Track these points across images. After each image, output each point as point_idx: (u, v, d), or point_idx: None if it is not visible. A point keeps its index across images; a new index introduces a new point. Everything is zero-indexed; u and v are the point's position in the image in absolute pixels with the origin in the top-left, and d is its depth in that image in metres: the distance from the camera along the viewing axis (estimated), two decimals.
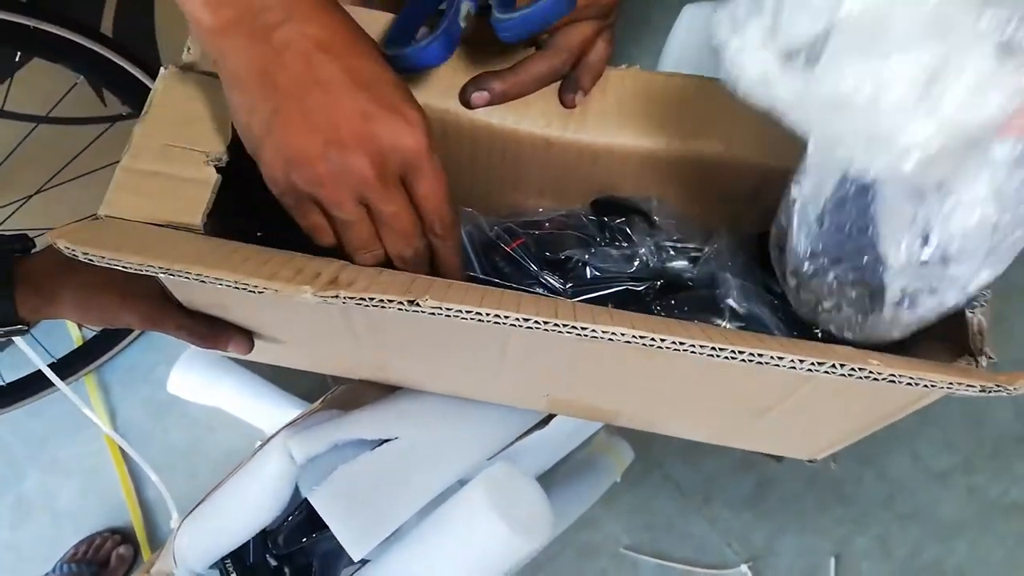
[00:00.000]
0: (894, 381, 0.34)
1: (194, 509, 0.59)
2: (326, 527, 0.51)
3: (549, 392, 0.50)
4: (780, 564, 1.13)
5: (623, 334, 0.35)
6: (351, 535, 0.51)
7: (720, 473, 1.18)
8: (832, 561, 1.11)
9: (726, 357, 0.35)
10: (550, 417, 0.62)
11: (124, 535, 1.29)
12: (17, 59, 0.97)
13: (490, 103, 0.42)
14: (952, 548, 1.10)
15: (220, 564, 0.56)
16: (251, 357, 0.51)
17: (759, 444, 0.55)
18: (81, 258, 0.33)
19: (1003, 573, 1.08)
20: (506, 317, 0.34)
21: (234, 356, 0.48)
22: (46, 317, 0.47)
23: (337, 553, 0.60)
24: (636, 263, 0.45)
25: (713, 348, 0.35)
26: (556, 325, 0.34)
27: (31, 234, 0.50)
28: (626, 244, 0.47)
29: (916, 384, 0.34)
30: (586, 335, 0.35)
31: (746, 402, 0.46)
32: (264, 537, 0.59)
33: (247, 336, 0.48)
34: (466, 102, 0.42)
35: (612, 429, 1.06)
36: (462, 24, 0.39)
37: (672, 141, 0.44)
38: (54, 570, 1.24)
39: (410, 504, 0.53)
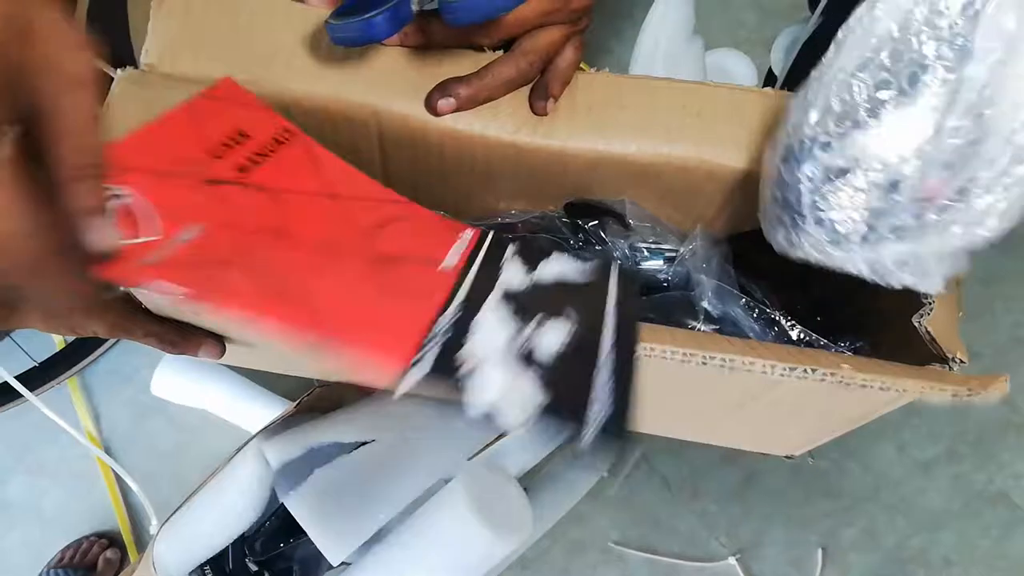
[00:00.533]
0: (866, 386, 0.34)
1: (171, 516, 0.59)
2: (304, 532, 0.51)
3: None
4: (768, 556, 1.13)
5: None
6: (329, 540, 0.50)
7: (707, 467, 1.19)
8: (819, 552, 1.12)
9: (698, 363, 0.35)
10: None
11: (111, 539, 1.28)
12: None
13: (457, 109, 0.41)
14: (938, 538, 1.10)
15: (199, 570, 0.56)
16: (224, 361, 0.51)
17: (737, 441, 0.55)
18: None
19: (989, 562, 1.09)
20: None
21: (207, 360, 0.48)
22: (13, 327, 0.47)
23: (317, 557, 0.59)
24: (616, 261, 0.45)
25: (685, 354, 0.35)
26: None
27: None
28: (600, 246, 0.47)
29: (887, 389, 0.34)
30: None
31: (722, 402, 0.46)
32: (243, 543, 0.58)
33: (218, 340, 0.47)
34: (432, 109, 0.41)
35: None
36: (413, 7, 0.38)
37: (642, 145, 0.43)
38: (41, 575, 1.24)
39: (389, 507, 0.53)
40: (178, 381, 1.29)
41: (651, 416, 0.53)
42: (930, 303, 0.40)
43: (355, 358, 0.31)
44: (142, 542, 1.30)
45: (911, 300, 0.42)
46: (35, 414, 1.33)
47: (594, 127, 0.42)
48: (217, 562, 0.57)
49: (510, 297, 0.35)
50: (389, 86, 0.42)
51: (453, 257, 0.37)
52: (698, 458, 1.20)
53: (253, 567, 0.58)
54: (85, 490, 1.32)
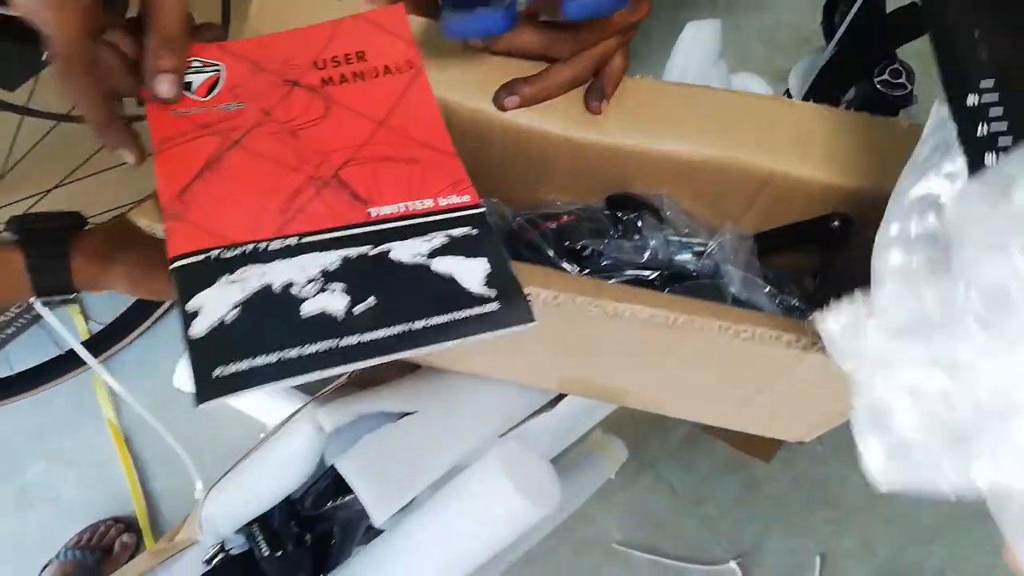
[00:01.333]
0: None
1: (221, 479, 0.63)
2: (350, 492, 0.55)
3: (563, 371, 0.54)
4: (768, 562, 1.17)
5: (643, 311, 0.39)
6: (375, 500, 0.54)
7: (711, 474, 1.22)
8: (818, 559, 1.15)
9: (732, 335, 0.40)
10: (556, 401, 0.66)
11: (128, 524, 1.31)
12: (44, 58, 1.01)
13: (520, 106, 0.46)
14: (932, 551, 1.14)
15: (247, 528, 0.60)
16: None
17: (753, 426, 0.60)
18: (159, 234, 0.37)
19: (981, 575, 1.12)
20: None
21: None
22: (97, 288, 0.51)
23: (356, 522, 0.63)
24: (647, 254, 0.50)
25: (721, 326, 0.40)
26: (584, 302, 0.39)
27: None
28: (637, 237, 0.51)
29: None
30: (610, 312, 0.39)
31: (743, 381, 0.50)
32: (289, 505, 0.62)
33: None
34: (499, 105, 0.46)
35: (607, 428, 1.11)
36: (521, 3, 0.42)
37: (681, 145, 0.48)
38: (58, 556, 1.26)
39: (428, 474, 0.57)
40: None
41: (678, 399, 0.57)
42: None
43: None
44: (158, 528, 1.33)
45: None
46: (57, 402, 1.37)
47: (639, 126, 0.47)
48: (264, 522, 0.61)
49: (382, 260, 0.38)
50: (463, 84, 0.47)
51: (427, 203, 0.40)
52: (703, 466, 1.24)
53: (296, 528, 0.62)
54: (103, 477, 1.35)
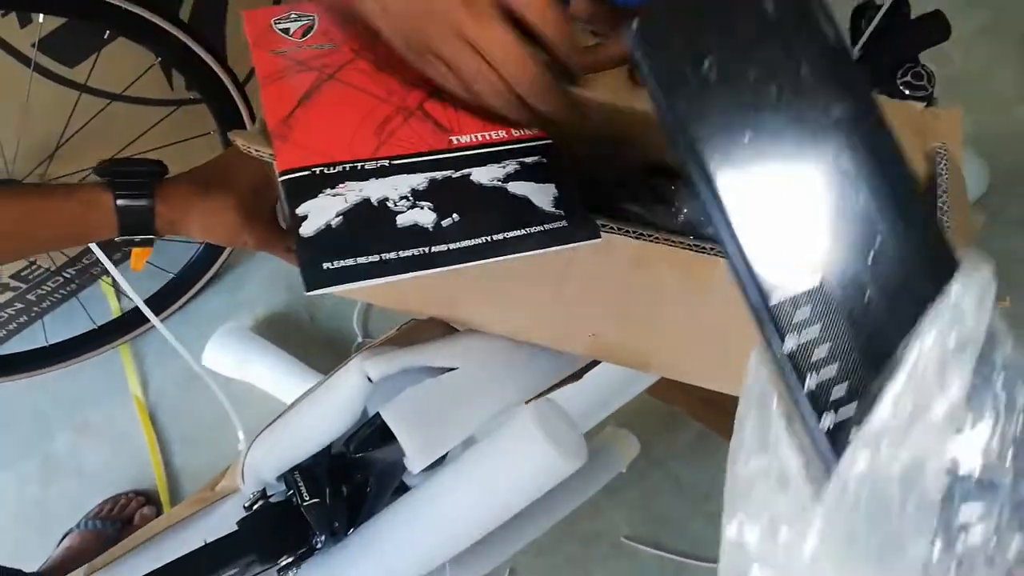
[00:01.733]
0: None
1: (266, 428, 0.67)
2: (393, 439, 0.59)
3: (594, 331, 0.58)
4: None
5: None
6: (415, 446, 0.58)
7: (719, 472, 1.24)
8: None
9: None
10: (582, 372, 0.69)
11: (148, 497, 1.35)
12: (106, 36, 1.06)
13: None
14: None
15: (290, 475, 0.64)
16: (340, 290, 0.59)
17: None
18: (253, 154, 0.42)
19: None
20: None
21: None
22: (176, 233, 0.55)
23: (391, 475, 0.67)
24: (680, 218, 0.54)
25: None
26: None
27: None
28: (668, 205, 0.55)
29: None
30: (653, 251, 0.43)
31: None
32: (329, 459, 0.66)
33: None
34: None
35: (619, 425, 1.14)
36: None
37: None
38: (79, 525, 1.30)
39: (464, 427, 0.61)
40: (228, 354, 1.37)
41: (698, 363, 0.61)
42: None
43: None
44: (178, 502, 1.36)
45: None
46: (86, 375, 1.41)
47: None
48: (305, 469, 0.64)
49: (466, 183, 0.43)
50: None
51: (501, 134, 0.45)
52: (711, 464, 1.27)
53: (334, 481, 0.65)
54: (127, 450, 1.39)
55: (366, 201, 0.39)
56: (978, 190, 0.98)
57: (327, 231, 0.38)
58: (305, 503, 0.62)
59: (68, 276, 1.42)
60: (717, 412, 1.10)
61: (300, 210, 0.38)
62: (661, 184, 0.55)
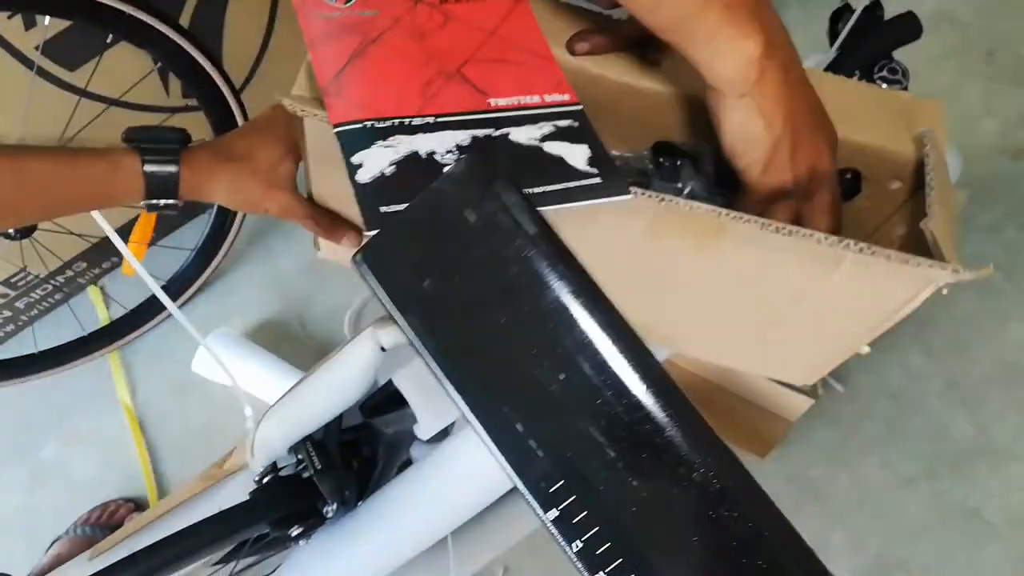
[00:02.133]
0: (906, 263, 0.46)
1: (277, 402, 0.68)
2: (404, 405, 0.61)
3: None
4: None
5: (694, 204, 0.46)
6: (426, 412, 0.60)
7: None
8: None
9: (772, 230, 0.46)
10: None
11: (137, 503, 1.35)
12: (109, 40, 1.08)
13: (589, 53, 0.54)
14: (918, 548, 1.19)
15: (301, 444, 0.65)
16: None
17: (762, 366, 0.66)
18: (299, 114, 0.45)
19: (964, 571, 1.18)
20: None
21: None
22: (199, 198, 0.58)
23: (399, 448, 0.69)
24: (684, 193, 0.57)
25: (763, 223, 0.47)
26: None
27: None
28: (673, 182, 0.59)
29: (915, 265, 0.46)
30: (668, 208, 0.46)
31: (766, 305, 0.57)
32: (339, 432, 0.68)
33: (358, 233, 0.59)
34: (571, 49, 0.54)
35: None
36: None
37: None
38: (67, 532, 1.29)
39: None
40: (217, 360, 1.37)
41: (699, 333, 0.64)
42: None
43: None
44: None
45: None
46: (75, 383, 1.41)
47: (688, 80, 0.55)
48: (317, 442, 0.66)
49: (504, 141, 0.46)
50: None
51: (535, 99, 0.49)
52: None
53: (344, 451, 0.67)
54: (116, 458, 1.39)
55: (415, 154, 0.42)
56: (955, 175, 1.04)
57: (381, 178, 0.41)
58: (317, 470, 0.64)
59: (56, 284, 1.42)
60: (705, 405, 1.13)
61: (355, 159, 0.41)
62: (668, 162, 0.58)
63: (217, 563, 0.70)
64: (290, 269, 1.49)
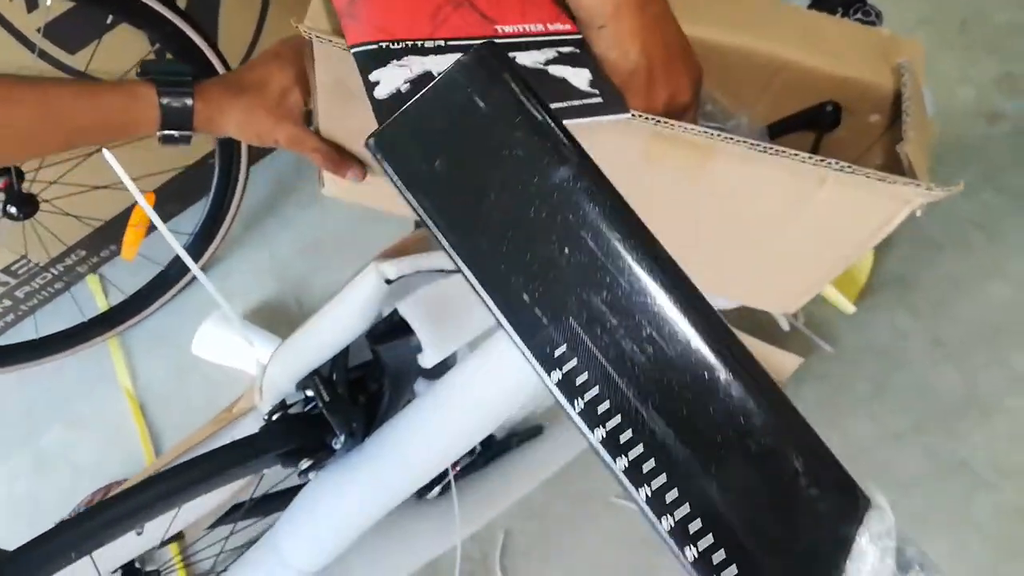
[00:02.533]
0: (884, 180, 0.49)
1: (285, 342, 0.71)
2: (409, 333, 0.63)
3: None
4: None
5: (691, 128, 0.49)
6: (431, 338, 0.63)
7: None
8: None
9: (760, 150, 0.50)
10: None
11: None
12: (109, 22, 1.11)
13: None
14: (910, 501, 1.22)
15: (310, 380, 0.68)
16: (359, 198, 0.64)
17: (749, 295, 0.69)
18: (315, 38, 0.48)
19: (955, 523, 1.21)
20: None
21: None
22: (212, 130, 0.60)
23: (403, 382, 0.71)
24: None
25: (751, 143, 0.50)
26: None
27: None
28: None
29: (893, 183, 0.49)
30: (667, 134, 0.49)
31: (752, 228, 0.60)
32: (346, 371, 0.70)
33: (363, 168, 0.61)
34: None
35: None
36: None
37: (710, 31, 0.59)
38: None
39: (473, 328, 0.66)
40: (217, 342, 1.39)
41: (689, 260, 0.67)
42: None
43: None
44: None
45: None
46: (76, 368, 1.43)
47: (677, 10, 0.58)
48: (325, 378, 0.68)
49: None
50: None
51: (539, 27, 0.52)
52: None
53: (350, 388, 0.69)
54: (118, 442, 1.40)
55: (428, 74, 0.45)
56: (930, 110, 1.09)
57: (398, 95, 0.44)
58: (326, 402, 0.66)
59: (56, 273, 1.44)
60: None
61: (372, 76, 0.44)
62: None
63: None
64: (286, 252, 1.52)
